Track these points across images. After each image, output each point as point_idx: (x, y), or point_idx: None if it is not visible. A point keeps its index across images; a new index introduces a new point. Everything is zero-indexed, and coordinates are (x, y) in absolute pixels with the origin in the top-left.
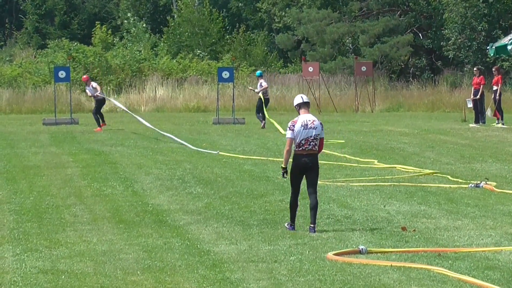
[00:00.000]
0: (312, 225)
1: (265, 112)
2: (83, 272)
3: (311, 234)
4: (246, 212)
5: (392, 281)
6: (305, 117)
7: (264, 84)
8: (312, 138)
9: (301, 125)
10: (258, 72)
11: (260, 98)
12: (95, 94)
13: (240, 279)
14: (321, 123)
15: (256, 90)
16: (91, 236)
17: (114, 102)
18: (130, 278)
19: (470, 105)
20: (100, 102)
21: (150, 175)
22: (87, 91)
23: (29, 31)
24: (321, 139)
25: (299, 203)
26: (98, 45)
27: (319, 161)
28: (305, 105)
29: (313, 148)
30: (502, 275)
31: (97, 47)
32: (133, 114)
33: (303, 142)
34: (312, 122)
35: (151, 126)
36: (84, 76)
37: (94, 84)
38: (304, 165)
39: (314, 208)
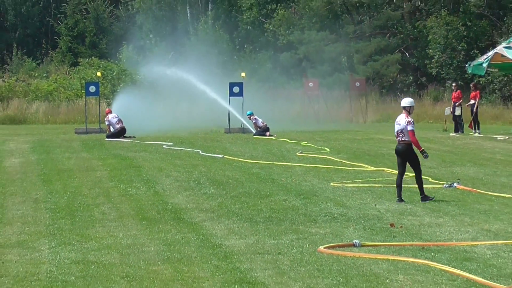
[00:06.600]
0: (421, 196)
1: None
2: (110, 263)
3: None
4: (254, 210)
5: (381, 271)
6: (399, 117)
7: (260, 122)
8: (399, 132)
9: (395, 122)
10: (249, 111)
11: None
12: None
13: (248, 269)
14: (406, 122)
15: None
16: (117, 231)
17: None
18: (151, 268)
19: (447, 112)
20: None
21: (169, 177)
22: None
23: (63, 51)
24: (409, 131)
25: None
26: (125, 62)
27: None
28: (403, 108)
29: (402, 139)
30: (478, 265)
31: (122, 65)
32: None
33: (395, 134)
34: (400, 120)
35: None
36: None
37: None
38: (397, 151)
39: (417, 182)
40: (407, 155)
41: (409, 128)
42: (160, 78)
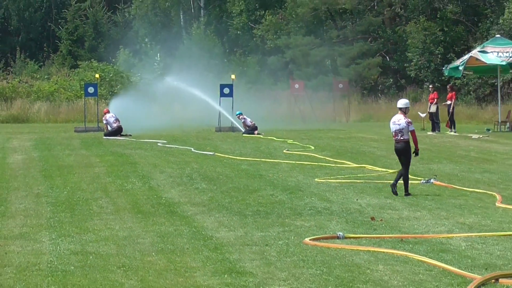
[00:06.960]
0: (405, 192)
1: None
2: (108, 254)
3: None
4: (243, 204)
5: (363, 261)
6: (396, 117)
7: (248, 121)
8: (397, 131)
9: (392, 122)
10: (238, 111)
11: (246, 130)
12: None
13: (237, 259)
14: (407, 122)
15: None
16: (114, 224)
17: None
18: (146, 258)
19: (423, 115)
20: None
21: (163, 173)
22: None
23: (64, 54)
24: (411, 131)
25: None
26: (122, 65)
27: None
28: (399, 109)
29: (401, 138)
30: (453, 256)
31: (119, 67)
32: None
33: (393, 134)
34: (398, 120)
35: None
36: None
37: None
38: (396, 149)
39: (403, 178)
40: (406, 152)
41: (411, 128)
42: (155, 81)
